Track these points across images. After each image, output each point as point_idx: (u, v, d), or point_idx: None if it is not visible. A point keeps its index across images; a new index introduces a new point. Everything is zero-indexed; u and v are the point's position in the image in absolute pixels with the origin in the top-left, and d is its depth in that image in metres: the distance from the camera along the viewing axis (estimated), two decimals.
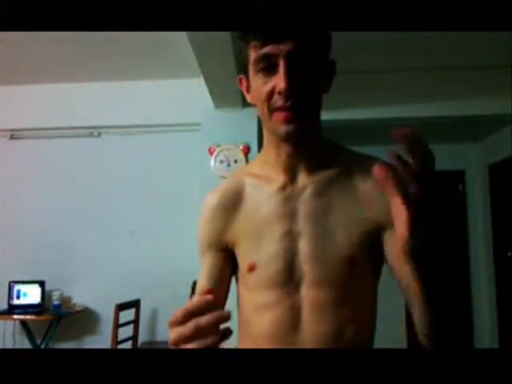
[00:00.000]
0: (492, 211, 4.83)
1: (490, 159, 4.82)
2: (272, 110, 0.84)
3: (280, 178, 0.92)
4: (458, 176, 5.20)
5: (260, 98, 0.85)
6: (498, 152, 4.62)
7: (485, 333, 4.92)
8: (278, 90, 0.81)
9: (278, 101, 0.82)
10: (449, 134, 4.82)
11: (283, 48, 0.80)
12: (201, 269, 0.98)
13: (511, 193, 4.38)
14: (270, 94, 0.83)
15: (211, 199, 0.98)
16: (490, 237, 4.87)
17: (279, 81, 0.80)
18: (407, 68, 3.56)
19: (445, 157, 5.09)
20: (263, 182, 0.94)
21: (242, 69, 0.90)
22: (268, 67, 0.82)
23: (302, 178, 0.91)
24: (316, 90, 0.86)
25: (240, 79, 0.93)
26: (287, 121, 0.83)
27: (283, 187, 0.91)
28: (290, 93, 0.80)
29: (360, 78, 3.49)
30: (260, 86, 0.84)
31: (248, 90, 0.91)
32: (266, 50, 0.81)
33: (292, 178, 0.91)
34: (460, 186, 5.22)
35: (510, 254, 4.46)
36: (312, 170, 0.91)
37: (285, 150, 0.90)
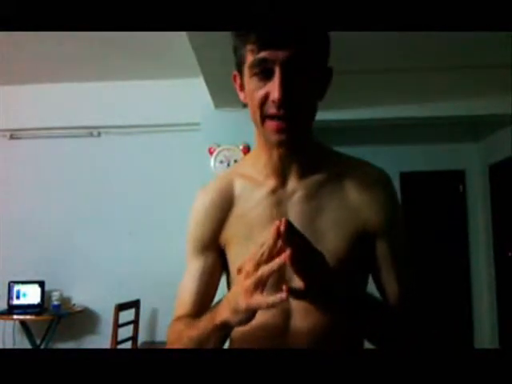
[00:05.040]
0: (492, 211, 4.83)
1: (490, 159, 4.82)
2: (264, 117, 0.82)
3: (271, 182, 0.92)
4: (458, 176, 5.20)
5: (253, 103, 0.84)
6: (498, 152, 4.62)
7: (485, 333, 4.92)
8: (271, 98, 0.79)
9: (271, 108, 0.81)
10: (449, 134, 4.82)
11: (281, 55, 0.78)
12: (188, 271, 0.96)
13: (511, 193, 4.38)
14: (264, 100, 0.81)
15: (204, 198, 0.97)
16: (490, 237, 4.86)
17: (274, 89, 0.79)
18: (407, 68, 3.55)
19: (445, 157, 5.10)
20: (254, 185, 0.93)
21: (237, 66, 0.88)
22: (263, 72, 0.80)
23: (293, 182, 0.91)
24: (311, 99, 0.84)
25: (234, 76, 0.91)
26: (279, 131, 0.82)
27: (274, 191, 0.91)
28: (283, 102, 0.79)
29: (360, 78, 3.48)
30: (254, 90, 0.82)
31: (241, 89, 0.90)
32: (263, 54, 0.79)
33: (282, 181, 0.91)
34: (460, 186, 5.21)
35: (510, 254, 4.46)
36: (302, 173, 0.91)
37: (276, 154, 0.89)
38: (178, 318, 0.94)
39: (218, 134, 3.64)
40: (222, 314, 0.77)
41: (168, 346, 0.92)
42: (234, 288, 0.77)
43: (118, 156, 4.01)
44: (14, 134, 4.05)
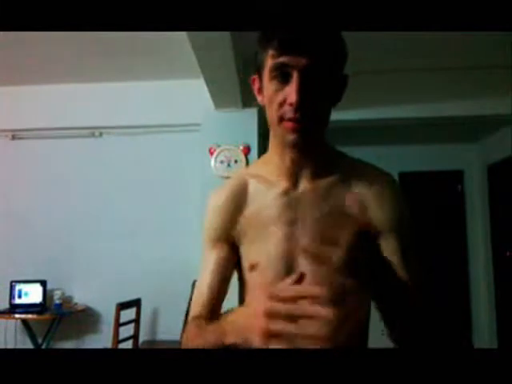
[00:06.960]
0: (491, 211, 4.83)
1: (490, 159, 4.83)
2: (282, 119, 0.86)
3: (283, 183, 0.94)
4: (458, 176, 5.21)
5: (271, 105, 0.87)
6: (497, 152, 4.63)
7: (484, 333, 4.92)
8: (288, 101, 0.83)
9: (288, 112, 0.84)
10: (448, 134, 4.82)
11: (300, 61, 0.81)
12: (204, 263, 0.99)
13: (510, 193, 4.38)
14: (282, 103, 0.85)
15: (220, 194, 1.00)
16: (488, 237, 4.87)
17: (291, 93, 0.82)
18: (407, 68, 3.56)
19: (444, 157, 5.11)
20: (266, 185, 0.96)
21: (257, 70, 0.91)
22: (282, 76, 0.84)
23: (304, 184, 0.94)
24: (326, 104, 0.88)
25: (253, 79, 0.95)
26: (295, 131, 0.85)
27: (286, 192, 0.94)
28: (300, 106, 0.82)
29: (360, 78, 3.48)
30: (273, 93, 0.86)
31: (259, 92, 0.93)
32: (283, 59, 0.82)
33: (294, 182, 0.94)
34: (459, 186, 5.22)
35: (508, 254, 4.46)
36: (314, 175, 0.94)
37: (289, 155, 0.92)
38: (193, 319, 0.95)
39: (218, 134, 3.64)
40: (230, 338, 0.78)
41: (183, 347, 0.94)
42: (245, 316, 0.76)
43: (119, 156, 4.02)
44: (16, 135, 4.05)
